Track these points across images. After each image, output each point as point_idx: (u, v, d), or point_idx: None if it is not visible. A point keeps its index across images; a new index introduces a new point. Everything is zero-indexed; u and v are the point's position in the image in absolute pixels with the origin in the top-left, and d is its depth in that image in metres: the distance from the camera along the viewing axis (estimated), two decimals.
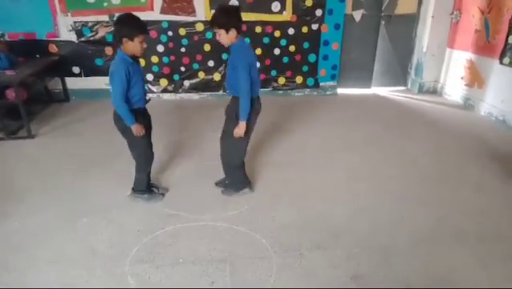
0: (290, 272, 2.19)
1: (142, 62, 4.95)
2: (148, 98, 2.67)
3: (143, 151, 2.71)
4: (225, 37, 2.46)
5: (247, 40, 5.15)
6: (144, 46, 2.45)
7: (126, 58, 2.42)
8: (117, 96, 2.40)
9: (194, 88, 5.49)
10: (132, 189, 2.86)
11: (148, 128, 2.69)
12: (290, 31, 5.32)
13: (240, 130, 2.60)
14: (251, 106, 2.55)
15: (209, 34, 5.13)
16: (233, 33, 2.45)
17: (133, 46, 2.38)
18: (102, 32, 5.02)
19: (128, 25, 2.36)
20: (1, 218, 2.65)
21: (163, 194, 2.95)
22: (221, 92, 5.49)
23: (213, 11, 2.53)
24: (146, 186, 2.85)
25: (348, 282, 2.12)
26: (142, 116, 2.62)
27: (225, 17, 2.42)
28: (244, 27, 5.14)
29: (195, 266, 2.22)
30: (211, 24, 2.51)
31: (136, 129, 2.54)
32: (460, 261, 2.30)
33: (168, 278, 2.14)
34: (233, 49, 2.53)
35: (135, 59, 2.49)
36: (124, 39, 2.35)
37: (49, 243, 2.41)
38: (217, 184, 3.07)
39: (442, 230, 2.58)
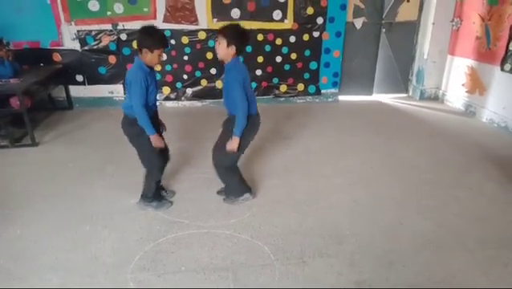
0: (293, 279, 2.18)
1: None
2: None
3: (152, 159, 2.70)
4: (224, 49, 2.49)
5: (248, 48, 5.22)
6: (162, 58, 2.54)
7: (143, 66, 2.47)
8: (138, 104, 2.43)
9: (197, 96, 5.52)
10: (141, 196, 2.85)
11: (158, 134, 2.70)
12: (292, 39, 5.36)
13: (233, 145, 2.61)
14: (248, 122, 2.58)
15: (211, 43, 5.18)
16: (232, 49, 2.47)
17: (152, 57, 2.44)
18: (105, 41, 5.07)
19: (151, 37, 2.42)
20: (3, 225, 2.66)
21: (171, 202, 2.93)
22: (223, 100, 5.51)
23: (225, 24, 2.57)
24: (154, 194, 2.82)
25: (352, 288, 2.12)
26: (153, 122, 2.61)
27: (234, 32, 2.48)
28: None
29: (197, 274, 2.22)
30: (219, 30, 2.53)
31: (155, 140, 2.57)
32: (461, 266, 2.29)
33: (171, 286, 2.13)
34: (227, 68, 2.57)
35: (151, 68, 2.53)
36: (145, 50, 2.42)
37: (51, 250, 2.41)
38: (218, 192, 3.07)
39: (443, 235, 2.57)
